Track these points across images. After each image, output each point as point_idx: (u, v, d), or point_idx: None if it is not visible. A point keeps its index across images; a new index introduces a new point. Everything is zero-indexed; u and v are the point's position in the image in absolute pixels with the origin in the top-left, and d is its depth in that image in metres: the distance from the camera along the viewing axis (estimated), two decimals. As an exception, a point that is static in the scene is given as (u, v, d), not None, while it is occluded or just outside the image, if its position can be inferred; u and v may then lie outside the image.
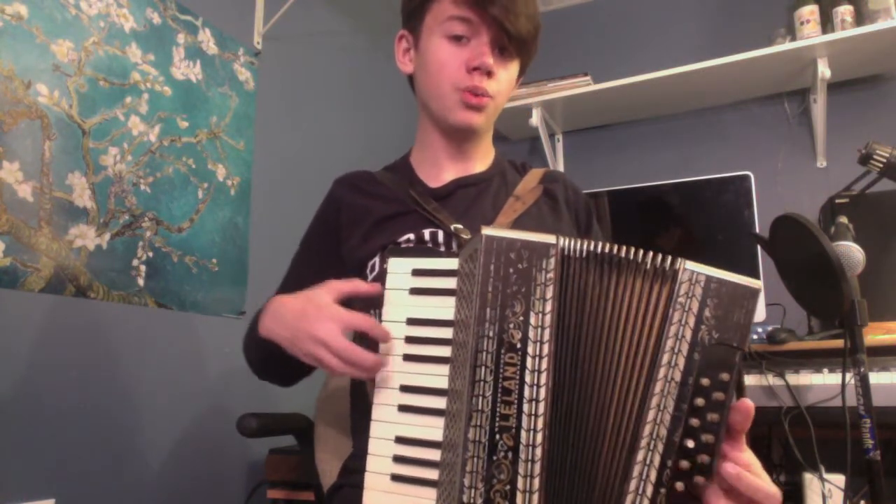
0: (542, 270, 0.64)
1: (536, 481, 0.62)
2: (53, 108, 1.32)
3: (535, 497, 0.62)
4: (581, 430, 0.65)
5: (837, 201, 1.42)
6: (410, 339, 0.72)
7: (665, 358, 0.63)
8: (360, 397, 0.97)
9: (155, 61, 1.55)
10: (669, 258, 0.65)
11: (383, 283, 0.75)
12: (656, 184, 2.02)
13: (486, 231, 0.65)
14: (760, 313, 1.74)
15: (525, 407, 0.63)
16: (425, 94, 1.00)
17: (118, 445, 1.40)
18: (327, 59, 2.18)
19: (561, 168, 2.64)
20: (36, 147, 1.28)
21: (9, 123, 1.24)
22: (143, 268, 1.47)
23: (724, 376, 0.62)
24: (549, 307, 0.64)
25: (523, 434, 0.63)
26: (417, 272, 0.73)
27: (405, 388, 0.71)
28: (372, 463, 0.69)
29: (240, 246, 1.76)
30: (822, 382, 1.46)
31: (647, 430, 0.63)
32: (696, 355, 0.63)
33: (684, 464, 0.62)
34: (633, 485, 0.62)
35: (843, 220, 1.32)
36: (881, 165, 1.27)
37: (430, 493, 0.67)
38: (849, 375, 1.23)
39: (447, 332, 0.69)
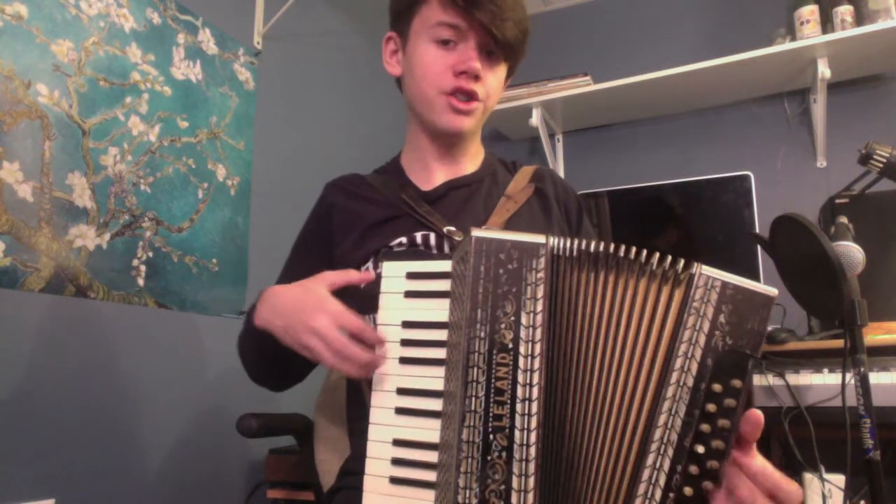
0: (532, 270, 0.65)
1: (531, 481, 0.62)
2: (53, 108, 1.32)
3: (531, 496, 0.62)
4: (577, 429, 0.65)
5: (837, 201, 1.42)
6: (406, 342, 0.72)
7: (678, 363, 0.63)
8: (356, 400, 0.97)
9: (155, 61, 1.55)
10: (682, 261, 0.65)
11: (378, 288, 0.74)
12: (656, 184, 2.02)
13: (476, 232, 0.65)
14: (760, 313, 1.73)
15: (518, 407, 0.63)
16: (413, 98, 1.00)
17: (118, 445, 1.40)
18: (327, 59, 2.18)
19: (561, 168, 2.64)
20: (36, 147, 1.28)
21: (9, 123, 1.24)
22: (143, 268, 1.47)
23: (737, 383, 0.62)
24: (540, 307, 0.64)
25: (517, 434, 0.63)
26: (411, 275, 0.73)
27: (402, 391, 0.71)
28: (370, 466, 0.70)
29: (240, 246, 1.76)
30: (822, 382, 1.46)
31: (658, 434, 0.62)
32: (709, 361, 0.63)
33: (694, 469, 0.62)
34: (642, 488, 0.62)
35: (843, 220, 1.32)
36: (881, 165, 1.27)
37: (429, 495, 0.67)
38: (849, 375, 1.23)
39: (442, 335, 0.69)
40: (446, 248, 0.94)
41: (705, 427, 0.62)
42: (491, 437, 0.63)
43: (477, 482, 0.62)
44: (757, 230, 1.77)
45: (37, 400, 1.25)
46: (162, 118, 1.56)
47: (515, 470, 0.62)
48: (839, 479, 1.50)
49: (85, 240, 1.36)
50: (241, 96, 1.80)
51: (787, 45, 2.06)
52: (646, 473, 0.62)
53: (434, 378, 0.69)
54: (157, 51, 1.56)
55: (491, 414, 0.63)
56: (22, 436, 1.22)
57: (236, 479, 1.69)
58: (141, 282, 1.47)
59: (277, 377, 1.03)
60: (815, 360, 1.52)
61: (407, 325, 0.72)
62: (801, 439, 1.44)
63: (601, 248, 0.66)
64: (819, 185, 2.19)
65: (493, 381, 0.63)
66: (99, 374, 1.37)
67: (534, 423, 0.63)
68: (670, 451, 0.62)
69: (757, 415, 0.63)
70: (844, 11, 2.06)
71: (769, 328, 1.59)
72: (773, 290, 0.64)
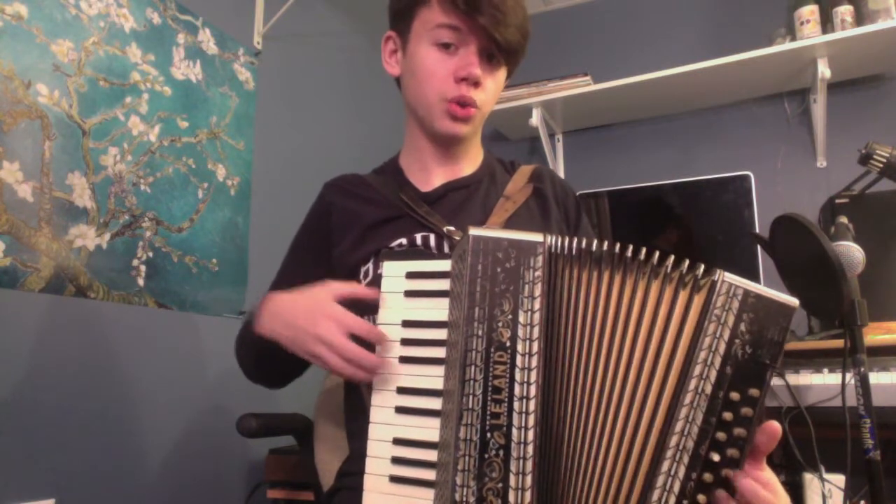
0: (530, 269, 0.65)
1: (529, 479, 0.62)
2: (53, 108, 1.32)
3: (528, 495, 0.62)
4: (577, 429, 0.65)
5: (837, 201, 1.42)
6: (406, 342, 0.72)
7: (697, 369, 0.63)
8: (353, 400, 0.97)
9: (155, 61, 1.55)
10: (702, 266, 0.64)
11: (378, 288, 0.75)
12: (656, 184, 2.02)
13: (473, 231, 0.66)
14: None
15: (516, 405, 0.63)
16: (412, 100, 1.00)
17: (118, 445, 1.40)
18: (327, 59, 2.18)
19: (561, 168, 2.64)
20: (36, 147, 1.28)
21: (9, 123, 1.24)
22: (143, 268, 1.47)
23: (754, 392, 0.62)
24: (537, 305, 0.64)
25: (514, 432, 0.63)
26: (411, 275, 0.73)
27: (402, 390, 0.71)
28: (371, 465, 0.70)
29: (240, 246, 1.76)
30: (822, 382, 1.46)
31: (674, 441, 0.62)
32: (728, 369, 0.62)
33: (708, 477, 0.62)
34: (656, 494, 0.62)
35: (843, 220, 1.32)
36: (881, 165, 1.27)
37: (429, 494, 0.67)
38: (849, 375, 1.23)
39: (442, 333, 0.70)
40: (446, 249, 0.94)
41: (721, 435, 0.62)
42: (488, 435, 0.63)
43: (474, 480, 0.62)
44: (757, 230, 1.77)
45: (37, 400, 1.25)
46: (162, 118, 1.56)
47: (513, 468, 0.62)
48: (839, 479, 1.50)
49: (85, 240, 1.36)
50: (241, 96, 1.80)
51: (787, 45, 2.06)
52: (660, 480, 0.62)
53: (434, 377, 0.69)
54: (157, 51, 1.56)
55: (489, 412, 0.63)
56: (22, 436, 1.22)
57: (236, 479, 1.69)
58: (141, 282, 1.47)
59: (277, 377, 1.03)
60: (815, 360, 1.52)
61: (407, 324, 0.72)
62: (801, 439, 1.43)
63: (604, 247, 0.66)
64: (819, 185, 2.19)
65: (490, 379, 0.63)
66: (99, 374, 1.37)
67: (531, 422, 0.63)
68: (686, 459, 0.62)
69: (775, 426, 0.63)
70: (844, 11, 2.06)
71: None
72: (794, 301, 0.63)
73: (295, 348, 0.78)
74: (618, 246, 0.67)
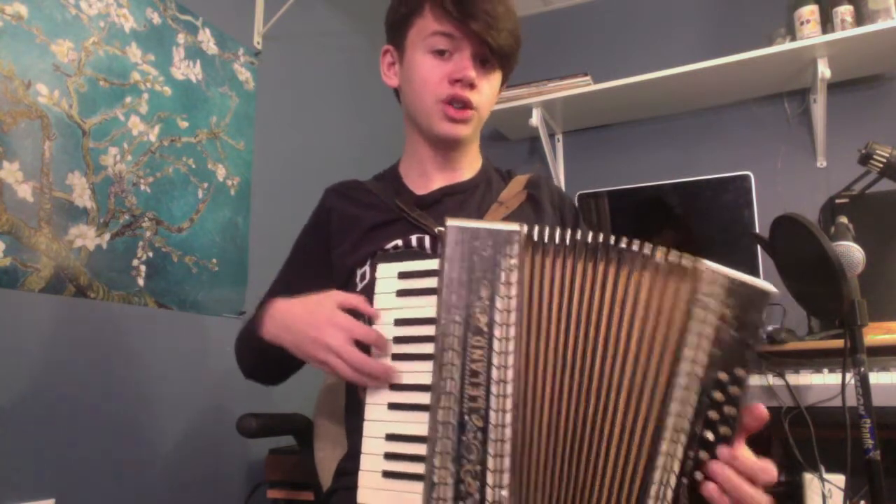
0: (506, 256, 0.67)
1: (507, 461, 0.63)
2: (53, 108, 1.32)
3: (506, 477, 0.63)
4: (555, 412, 0.66)
5: (837, 201, 1.42)
6: (398, 339, 0.73)
7: (688, 353, 0.65)
8: (352, 400, 0.98)
9: (155, 61, 1.55)
10: (684, 255, 0.66)
11: (373, 290, 0.76)
12: (656, 184, 2.02)
13: (451, 222, 0.68)
14: (760, 313, 1.74)
15: (493, 388, 0.65)
16: (410, 108, 1.02)
17: (118, 445, 1.40)
18: (327, 59, 2.18)
19: (561, 168, 2.64)
20: (36, 147, 1.28)
21: (9, 123, 1.24)
22: (143, 268, 1.47)
23: (741, 372, 0.64)
24: (514, 291, 0.66)
25: (492, 415, 0.64)
26: (403, 275, 0.75)
27: (395, 387, 0.72)
28: (365, 461, 0.70)
29: (240, 246, 1.76)
30: (822, 382, 1.46)
31: (671, 422, 0.64)
32: (716, 352, 0.64)
33: (704, 455, 0.63)
34: (657, 475, 0.63)
35: (843, 220, 1.32)
36: (881, 165, 1.27)
37: (419, 487, 0.67)
38: (849, 375, 1.23)
39: (432, 330, 0.70)
40: (439, 249, 0.95)
41: (713, 414, 0.64)
42: (466, 417, 0.64)
43: (453, 462, 0.64)
44: (757, 230, 1.77)
45: (37, 400, 1.25)
46: (162, 118, 1.56)
47: (491, 450, 0.64)
48: (839, 479, 1.50)
49: (85, 240, 1.36)
50: (241, 96, 1.80)
51: (787, 45, 2.06)
52: (660, 460, 0.63)
53: (425, 373, 0.70)
54: (157, 51, 1.56)
55: (466, 395, 0.65)
56: (22, 436, 1.22)
57: (236, 479, 1.69)
58: (141, 282, 1.47)
59: (274, 376, 1.05)
60: (815, 360, 1.52)
61: (399, 322, 0.73)
62: (801, 439, 1.44)
63: (578, 237, 0.68)
64: (819, 185, 2.19)
65: (468, 363, 0.65)
66: (99, 374, 1.37)
67: (509, 405, 0.64)
68: (683, 439, 0.63)
69: (762, 410, 0.65)
70: (844, 11, 2.06)
71: (769, 328, 1.60)
72: (771, 287, 0.66)
73: (301, 355, 0.80)
74: (601, 236, 0.68)
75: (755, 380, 1.51)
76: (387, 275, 0.76)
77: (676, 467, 0.63)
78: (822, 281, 1.19)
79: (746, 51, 2.09)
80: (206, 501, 1.59)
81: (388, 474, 0.69)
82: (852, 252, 1.23)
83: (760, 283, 0.66)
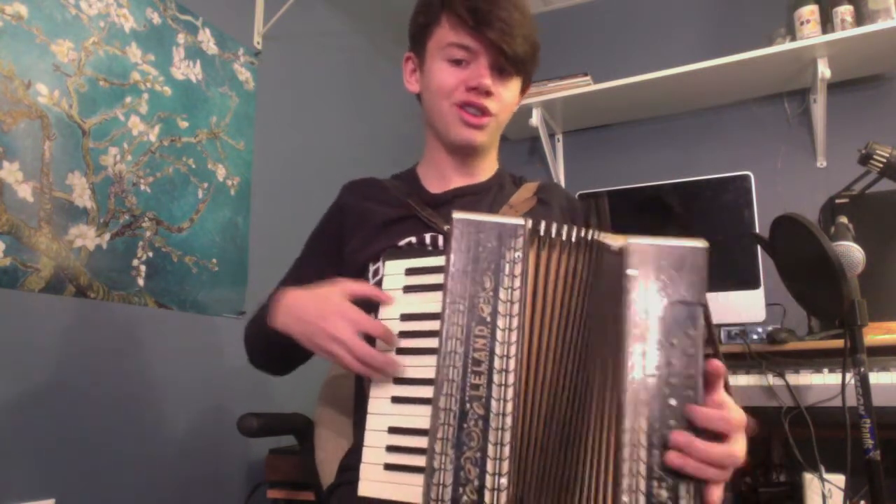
0: (511, 249, 0.68)
1: (507, 449, 0.64)
2: (53, 108, 1.32)
3: (506, 465, 0.64)
4: (554, 401, 0.66)
5: (837, 201, 1.42)
6: (403, 334, 0.74)
7: (633, 328, 0.66)
8: (362, 395, 0.98)
9: (155, 61, 1.55)
10: (610, 236, 0.69)
11: (382, 287, 0.77)
12: (656, 184, 2.02)
13: (457, 215, 0.69)
14: (760, 313, 1.74)
15: (495, 377, 0.65)
16: (429, 114, 1.04)
17: (118, 445, 1.40)
18: (327, 59, 2.18)
19: (561, 168, 2.64)
20: (36, 147, 1.28)
21: (9, 123, 1.24)
22: (143, 268, 1.47)
23: (691, 332, 0.65)
24: (517, 283, 0.67)
25: (493, 403, 0.65)
26: (410, 271, 0.76)
27: (399, 381, 0.73)
28: (367, 454, 0.71)
29: (240, 246, 1.76)
30: (822, 382, 1.46)
31: (629, 396, 0.64)
32: (658, 318, 0.65)
33: (672, 422, 0.63)
34: (626, 452, 0.63)
35: (843, 220, 1.32)
36: (881, 165, 1.27)
37: (422, 480, 0.67)
38: (849, 375, 1.23)
39: (437, 325, 0.71)
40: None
41: (674, 380, 0.64)
42: (468, 405, 0.65)
43: (453, 449, 0.64)
44: (757, 230, 1.77)
45: (37, 400, 1.25)
46: (162, 118, 1.56)
47: (491, 438, 0.64)
48: (839, 479, 1.50)
49: (85, 240, 1.36)
50: (241, 96, 1.80)
51: (787, 45, 2.07)
52: (627, 437, 0.64)
53: (429, 367, 0.70)
54: (157, 51, 1.56)
55: (468, 383, 0.65)
56: (22, 436, 1.22)
57: (236, 479, 1.69)
58: (141, 282, 1.47)
59: (282, 366, 1.06)
60: (815, 360, 1.52)
61: (405, 317, 0.74)
62: (801, 439, 1.44)
63: (580, 233, 0.70)
64: (819, 185, 2.19)
65: (471, 351, 0.66)
66: (99, 374, 1.37)
67: (510, 394, 0.65)
68: (645, 411, 0.64)
69: (717, 364, 0.66)
70: (844, 11, 2.06)
71: (769, 328, 1.60)
72: (702, 243, 0.68)
73: (308, 344, 0.81)
74: (582, 230, 0.70)
75: (755, 380, 1.51)
76: (394, 271, 0.77)
77: (644, 440, 0.63)
78: (822, 281, 1.19)
79: (746, 51, 2.09)
80: (206, 501, 1.59)
81: (389, 467, 0.69)
82: (852, 252, 1.24)
83: (688, 242, 0.68)
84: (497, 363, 0.65)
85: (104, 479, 1.36)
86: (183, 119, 1.61)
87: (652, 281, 0.66)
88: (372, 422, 0.72)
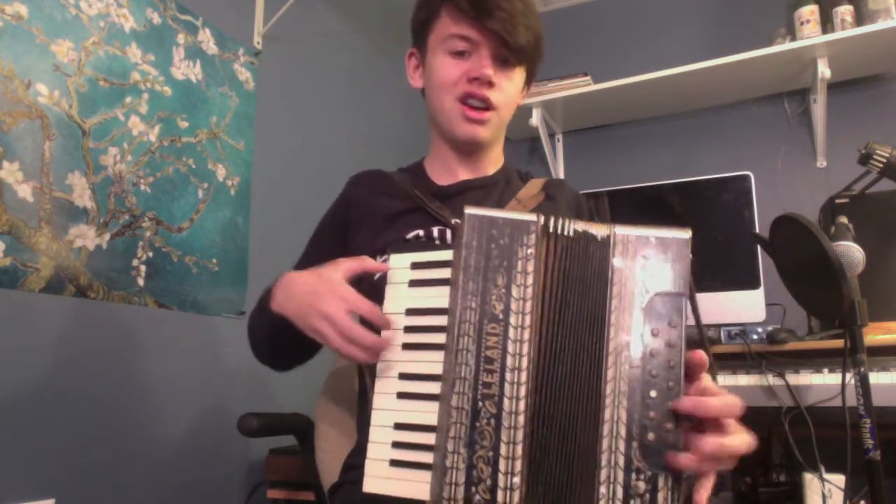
0: (523, 245, 0.67)
1: (519, 448, 0.63)
2: (53, 108, 1.32)
3: (518, 464, 0.63)
4: (564, 399, 0.66)
5: (837, 201, 1.42)
6: (409, 329, 0.73)
7: (613, 318, 0.66)
8: (365, 394, 0.98)
9: (155, 61, 1.55)
10: (595, 225, 0.68)
11: (387, 280, 0.76)
12: (656, 184, 2.02)
13: (469, 210, 0.68)
14: (760, 313, 1.74)
15: (507, 375, 0.65)
16: (432, 108, 1.04)
17: (118, 445, 1.40)
18: (327, 59, 2.18)
19: (561, 168, 2.64)
20: (36, 147, 1.28)
21: (9, 123, 1.24)
22: (143, 268, 1.47)
23: (674, 321, 0.64)
24: (530, 280, 0.66)
25: (506, 402, 0.64)
26: (416, 265, 0.75)
27: (403, 376, 0.72)
28: (372, 450, 0.70)
29: (240, 246, 1.76)
30: (822, 382, 1.46)
31: (608, 388, 0.64)
32: (642, 309, 0.65)
33: (652, 414, 0.63)
34: (605, 443, 0.63)
35: (843, 220, 1.32)
36: (881, 165, 1.27)
37: (428, 476, 0.67)
38: (849, 375, 1.23)
39: (443, 320, 0.71)
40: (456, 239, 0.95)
41: (654, 371, 0.64)
42: (480, 404, 0.64)
43: (465, 447, 0.63)
44: (757, 230, 1.77)
45: (37, 400, 1.25)
46: (162, 118, 1.56)
47: (504, 437, 0.64)
48: (839, 479, 1.50)
49: (85, 240, 1.36)
50: (241, 96, 1.80)
51: (787, 45, 2.07)
52: (605, 428, 0.64)
53: (435, 362, 0.70)
54: (157, 51, 1.56)
55: (480, 381, 0.65)
56: (22, 436, 1.22)
57: (236, 479, 1.69)
58: (141, 282, 1.47)
59: (283, 357, 1.04)
60: (815, 360, 1.52)
61: (410, 312, 0.73)
62: (801, 439, 1.44)
63: (575, 225, 0.69)
64: (819, 185, 2.19)
65: (483, 349, 0.65)
66: (99, 374, 1.37)
67: (523, 392, 0.64)
68: (624, 402, 0.64)
69: (700, 355, 0.66)
70: (844, 11, 2.06)
71: (769, 328, 1.60)
72: (686, 232, 0.67)
73: (301, 324, 0.80)
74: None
75: (755, 380, 1.51)
76: (399, 265, 0.76)
77: (623, 431, 0.63)
78: (822, 281, 1.19)
79: (746, 51, 2.09)
80: (206, 501, 1.59)
81: (395, 463, 0.69)
82: (852, 252, 1.24)
83: (671, 232, 0.67)
84: (510, 361, 0.65)
85: (104, 479, 1.36)
86: (183, 119, 1.61)
87: (635, 271, 0.66)
88: (377, 417, 0.71)
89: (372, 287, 0.83)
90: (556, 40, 2.71)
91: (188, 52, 1.65)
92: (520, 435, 0.63)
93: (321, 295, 0.77)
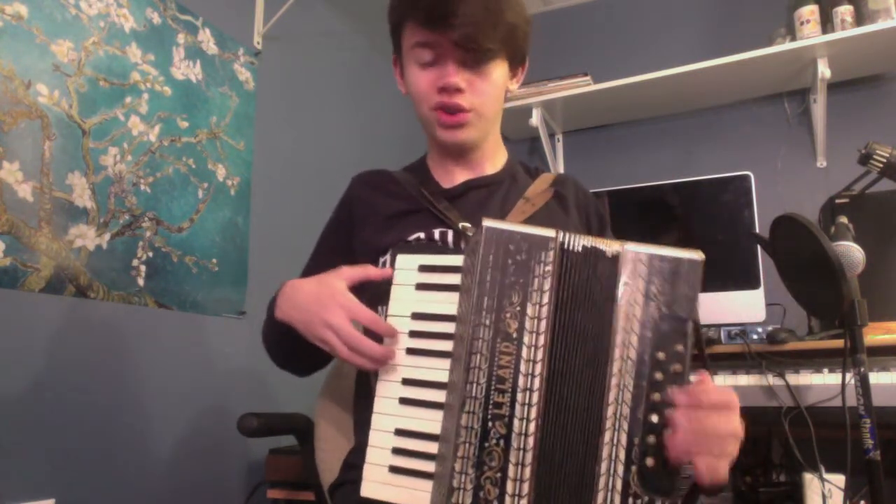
0: (540, 263, 0.66)
1: (528, 470, 0.63)
2: (53, 108, 1.32)
3: (526, 486, 0.63)
4: (574, 421, 0.65)
5: (837, 201, 1.42)
6: (414, 334, 0.72)
7: (618, 338, 0.65)
8: (364, 392, 0.98)
9: (155, 61, 1.55)
10: (610, 242, 0.67)
11: (393, 281, 0.76)
12: (656, 184, 2.02)
13: (487, 223, 0.67)
14: (760, 313, 1.74)
15: (519, 396, 0.64)
16: (417, 115, 1.02)
17: (118, 445, 1.40)
18: (327, 59, 2.18)
19: (561, 168, 2.64)
20: (36, 147, 1.28)
21: (9, 123, 1.24)
22: (143, 268, 1.47)
23: (679, 348, 0.64)
24: (546, 299, 0.65)
25: (516, 423, 0.63)
26: (424, 268, 0.74)
27: (407, 382, 0.71)
28: (371, 454, 0.70)
29: (240, 246, 1.76)
30: (822, 382, 1.46)
31: (610, 410, 0.64)
32: (647, 331, 0.64)
33: (651, 439, 0.63)
34: (603, 466, 0.63)
35: (843, 220, 1.32)
36: (881, 165, 1.27)
37: (427, 486, 0.67)
38: (849, 375, 1.23)
39: (450, 327, 0.70)
40: (462, 245, 0.95)
41: (656, 396, 0.63)
42: (490, 424, 0.63)
43: (473, 468, 0.63)
44: (757, 230, 1.77)
45: (37, 400, 1.25)
46: (162, 118, 1.56)
47: (512, 458, 0.63)
48: (839, 479, 1.50)
49: (85, 240, 1.36)
50: (241, 96, 1.80)
51: (787, 45, 2.07)
52: (605, 451, 0.63)
53: (440, 370, 0.69)
54: (157, 51, 1.56)
55: (491, 401, 0.64)
56: (22, 436, 1.22)
57: (236, 479, 1.69)
58: (141, 282, 1.47)
59: (301, 364, 1.04)
60: (815, 360, 1.52)
61: (416, 316, 0.73)
62: (801, 439, 1.44)
63: (584, 241, 0.68)
64: (819, 185, 2.19)
65: (495, 368, 0.64)
66: (99, 374, 1.37)
67: (533, 413, 0.64)
68: (625, 425, 0.63)
69: (703, 376, 0.65)
70: (844, 11, 2.06)
71: (769, 328, 1.60)
72: (699, 254, 0.66)
73: (305, 332, 0.80)
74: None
75: (755, 380, 1.51)
76: (406, 266, 0.75)
77: (622, 455, 0.63)
78: (822, 281, 1.19)
79: (746, 51, 2.09)
80: (206, 501, 1.59)
81: (395, 469, 0.68)
82: (852, 252, 1.23)
83: (685, 253, 0.65)
84: (521, 382, 0.64)
85: (104, 479, 1.36)
86: (183, 119, 1.61)
87: (643, 292, 0.65)
88: (378, 422, 0.71)
89: (375, 288, 0.82)
90: (556, 40, 2.71)
91: (188, 52, 1.65)
92: (528, 457, 0.63)
93: (323, 304, 0.77)
